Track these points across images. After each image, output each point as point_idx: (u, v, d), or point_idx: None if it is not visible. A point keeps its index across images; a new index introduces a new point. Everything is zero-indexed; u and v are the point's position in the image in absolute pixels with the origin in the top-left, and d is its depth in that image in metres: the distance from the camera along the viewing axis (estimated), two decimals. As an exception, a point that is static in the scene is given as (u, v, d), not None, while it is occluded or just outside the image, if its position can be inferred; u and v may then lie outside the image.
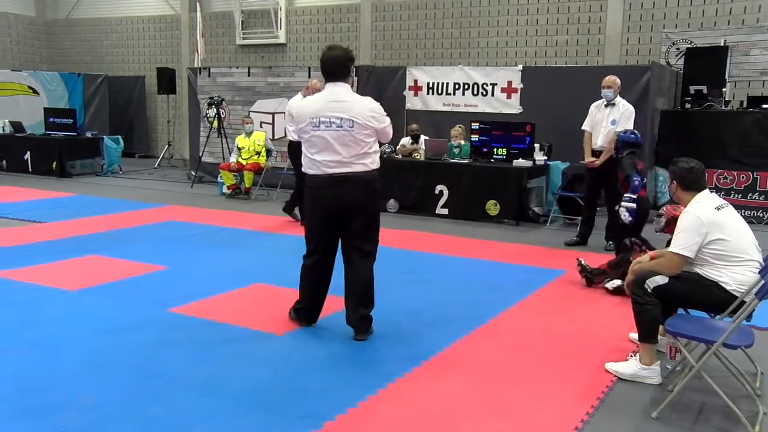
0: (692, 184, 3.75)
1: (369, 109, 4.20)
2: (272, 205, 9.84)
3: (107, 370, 3.71)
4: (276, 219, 8.65)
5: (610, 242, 7.04)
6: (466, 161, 9.17)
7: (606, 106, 7.20)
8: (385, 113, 4.33)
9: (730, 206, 3.74)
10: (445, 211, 9.07)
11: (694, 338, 3.44)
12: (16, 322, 4.47)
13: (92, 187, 11.52)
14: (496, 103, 10.45)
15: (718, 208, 3.64)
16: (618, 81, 7.18)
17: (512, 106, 10.27)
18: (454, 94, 10.86)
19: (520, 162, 8.63)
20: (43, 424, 3.08)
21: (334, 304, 5.01)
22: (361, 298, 4.33)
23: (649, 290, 3.65)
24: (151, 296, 5.14)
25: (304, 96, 7.93)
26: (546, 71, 10.18)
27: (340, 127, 4.13)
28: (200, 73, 12.71)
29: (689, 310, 3.86)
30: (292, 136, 7.60)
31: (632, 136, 6.16)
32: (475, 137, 9.13)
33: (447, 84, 10.90)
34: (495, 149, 8.96)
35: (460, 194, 8.95)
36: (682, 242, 3.61)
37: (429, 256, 6.79)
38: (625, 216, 5.68)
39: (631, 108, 7.12)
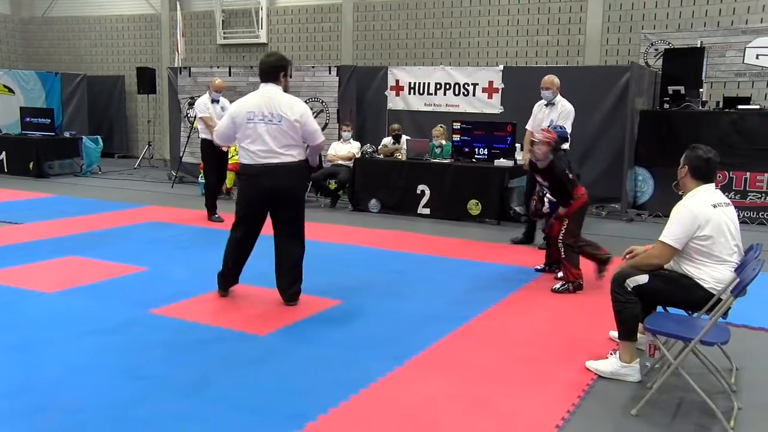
0: (703, 176, 3.70)
1: (295, 110, 4.80)
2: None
3: (89, 373, 3.68)
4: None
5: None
6: (447, 161, 9.20)
7: (546, 106, 7.29)
8: (314, 119, 4.96)
9: (730, 206, 3.72)
10: (427, 211, 9.09)
11: (672, 336, 3.49)
12: (-6, 325, 4.42)
13: (71, 188, 11.39)
14: (477, 103, 10.51)
15: (714, 206, 3.62)
16: (557, 81, 7.26)
17: (493, 106, 10.33)
18: (435, 94, 10.90)
19: (501, 162, 8.68)
20: (25, 427, 3.05)
21: (316, 305, 5.02)
22: (294, 276, 5.00)
23: (629, 289, 3.69)
24: (132, 297, 5.10)
25: (210, 95, 8.49)
26: (527, 71, 10.24)
27: (271, 121, 4.75)
28: (181, 73, 12.62)
29: (668, 308, 3.92)
30: (208, 134, 7.87)
31: (564, 130, 6.22)
32: (456, 137, 9.16)
33: (428, 84, 10.94)
34: (476, 149, 9.00)
35: (442, 194, 8.98)
36: (673, 233, 3.61)
37: (411, 256, 6.81)
38: (546, 206, 5.77)
39: (569, 108, 7.20)
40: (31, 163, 12.61)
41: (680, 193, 3.87)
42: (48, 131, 13.15)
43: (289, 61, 5.00)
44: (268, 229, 5.09)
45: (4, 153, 12.91)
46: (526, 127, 7.59)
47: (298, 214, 4.98)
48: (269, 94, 4.83)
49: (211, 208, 8.52)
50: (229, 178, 10.53)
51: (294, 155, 4.85)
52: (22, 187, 11.27)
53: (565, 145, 5.99)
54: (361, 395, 3.47)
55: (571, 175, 5.61)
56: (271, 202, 4.87)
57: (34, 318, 4.60)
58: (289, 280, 4.99)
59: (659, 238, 3.68)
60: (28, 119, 13.43)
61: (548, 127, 6.97)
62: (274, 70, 4.85)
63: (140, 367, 3.78)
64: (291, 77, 11.30)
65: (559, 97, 7.23)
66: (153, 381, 3.59)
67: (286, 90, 4.94)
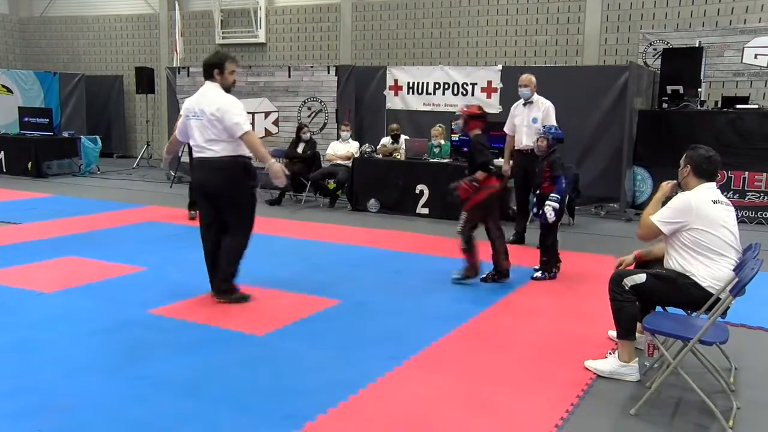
0: (705, 174, 3.73)
1: (212, 105, 4.82)
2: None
3: (88, 373, 3.68)
4: (258, 220, 8.60)
5: None
6: (446, 161, 9.20)
7: (524, 105, 7.29)
8: (237, 112, 4.83)
9: (730, 207, 3.74)
10: (426, 211, 9.09)
11: (671, 335, 3.48)
12: (-8, 325, 4.41)
13: (69, 188, 11.38)
14: (475, 103, 10.47)
15: (714, 201, 3.66)
16: (533, 79, 7.27)
17: (492, 106, 10.31)
18: (434, 93, 10.88)
19: (500, 162, 8.66)
20: (24, 427, 3.04)
21: (315, 304, 5.02)
22: (222, 271, 5.01)
23: (626, 288, 3.69)
24: (130, 297, 5.09)
25: None
26: (526, 71, 10.21)
27: (197, 116, 4.89)
28: (179, 73, 12.61)
29: (667, 307, 3.92)
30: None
31: (560, 132, 6.17)
32: (455, 137, 9.16)
33: (427, 84, 10.93)
34: (475, 149, 8.98)
35: (440, 194, 8.97)
36: (665, 215, 3.68)
37: (410, 256, 6.81)
38: (551, 215, 5.75)
39: (550, 104, 7.23)
40: (30, 163, 12.59)
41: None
42: (46, 131, 13.14)
43: (227, 58, 5.02)
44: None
45: (2, 153, 12.89)
46: (505, 129, 7.61)
47: (227, 206, 4.97)
48: (201, 90, 5.00)
49: (190, 207, 8.49)
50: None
51: (217, 150, 4.85)
52: (20, 187, 11.25)
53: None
54: (360, 395, 3.47)
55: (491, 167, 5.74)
56: (207, 197, 5.03)
57: (33, 318, 4.60)
58: (221, 274, 5.04)
59: (651, 216, 3.74)
60: (26, 119, 13.41)
61: (533, 125, 7.01)
62: (208, 67, 4.99)
63: (138, 367, 3.77)
64: (290, 77, 11.35)
65: (536, 96, 7.24)
66: (151, 381, 3.59)
67: (227, 86, 4.99)
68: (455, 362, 3.98)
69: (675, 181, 3.92)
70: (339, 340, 4.33)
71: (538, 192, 5.99)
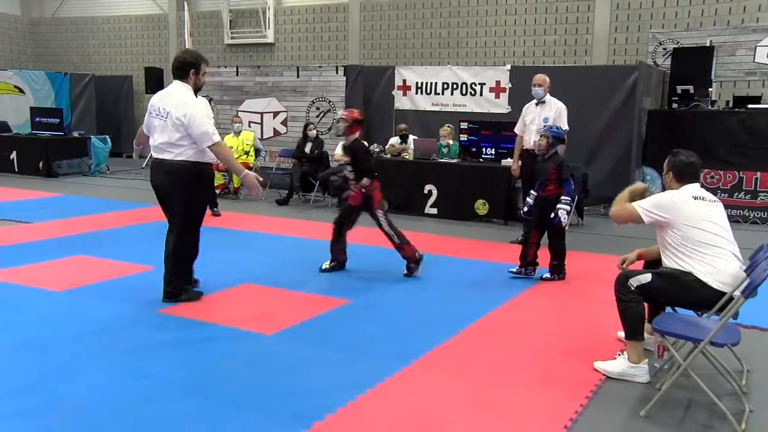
0: (687, 177, 3.84)
1: (180, 109, 4.68)
2: (260, 205, 9.81)
3: (96, 371, 3.69)
4: (265, 219, 8.63)
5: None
6: (454, 161, 9.19)
7: (537, 105, 7.27)
8: (206, 120, 4.71)
9: (716, 202, 3.79)
10: (434, 211, 9.08)
11: (681, 337, 3.46)
12: (2, 324, 4.43)
13: (79, 187, 11.43)
14: (484, 103, 10.48)
15: (695, 197, 3.73)
16: (547, 79, 7.24)
17: (501, 106, 10.30)
18: (442, 93, 10.88)
19: (508, 161, 8.64)
20: (31, 425, 3.06)
21: (324, 304, 5.02)
22: (166, 268, 4.96)
23: (632, 288, 3.68)
24: (139, 296, 5.10)
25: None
26: (535, 71, 10.18)
27: (160, 116, 4.79)
28: (188, 73, 12.63)
29: (677, 308, 3.89)
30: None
31: (561, 131, 6.10)
32: (464, 137, 9.15)
33: (435, 84, 10.92)
34: (484, 149, 8.99)
35: (449, 194, 8.97)
36: (647, 205, 3.79)
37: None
38: (564, 219, 5.70)
39: (562, 105, 7.20)
40: (41, 163, 12.67)
41: None
42: (57, 131, 13.20)
43: (204, 59, 4.92)
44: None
45: (14, 152, 12.96)
46: (515, 130, 7.59)
47: (176, 211, 4.89)
48: (169, 89, 4.89)
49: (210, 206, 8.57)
50: (236, 178, 10.56)
51: (175, 153, 4.74)
52: (31, 186, 11.32)
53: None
54: (369, 395, 3.46)
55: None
56: (158, 197, 4.98)
57: (42, 316, 4.62)
58: (165, 276, 4.97)
59: (635, 203, 3.85)
60: (37, 119, 13.49)
61: (543, 125, 6.98)
62: (184, 66, 4.83)
63: (147, 366, 3.78)
64: (298, 77, 11.36)
65: (549, 96, 7.21)
66: (159, 380, 3.60)
67: (199, 88, 4.91)
68: (463, 362, 3.97)
69: (645, 185, 4.15)
70: (347, 339, 4.33)
71: (539, 194, 5.89)
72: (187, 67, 4.82)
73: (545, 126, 6.44)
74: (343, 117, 6.00)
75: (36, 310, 4.75)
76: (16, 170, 12.90)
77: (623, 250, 5.51)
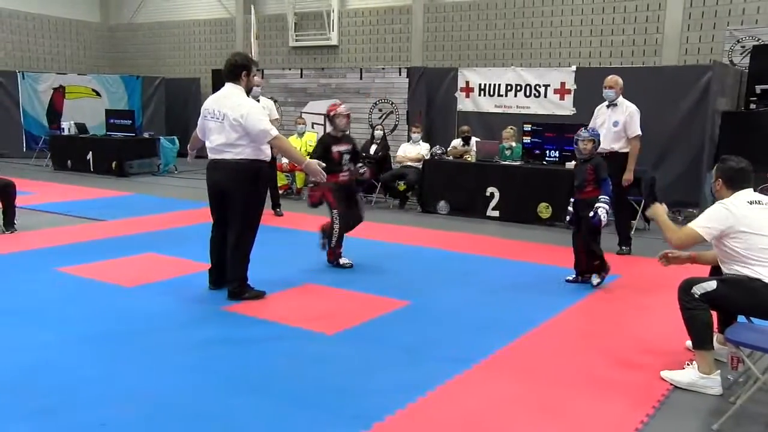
0: (738, 184, 3.71)
1: (236, 110, 4.80)
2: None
3: (161, 365, 3.80)
4: (326, 220, 8.70)
5: (623, 247, 7.01)
6: (517, 163, 9.06)
7: (608, 107, 7.05)
8: (262, 117, 4.87)
9: None
10: (496, 214, 8.98)
11: (757, 348, 3.30)
12: (76, 317, 4.62)
13: (149, 187, 11.82)
14: (548, 105, 10.31)
15: (750, 202, 3.59)
16: (620, 81, 7.00)
17: (565, 108, 10.11)
18: (506, 95, 10.76)
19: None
20: (91, 417, 3.16)
21: (384, 305, 5.03)
22: (229, 267, 5.07)
23: (696, 296, 3.54)
24: (204, 294, 5.24)
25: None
26: (601, 72, 9.96)
27: (216, 119, 4.90)
28: (254, 75, 12.89)
29: (752, 318, 3.72)
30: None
31: (597, 132, 5.97)
32: (527, 139, 9.02)
33: (499, 85, 10.81)
34: (547, 151, 8.83)
35: (511, 196, 8.85)
36: (702, 223, 3.64)
37: (479, 259, 6.73)
38: (604, 217, 5.54)
39: (634, 108, 6.94)
40: (114, 163, 13.16)
41: None
42: (129, 132, 13.68)
43: (254, 62, 5.07)
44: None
45: (90, 153, 13.51)
46: None
47: (236, 210, 4.98)
48: (223, 92, 4.98)
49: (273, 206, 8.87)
50: (299, 178, 10.72)
51: (234, 153, 4.87)
52: (104, 185, 11.77)
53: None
54: (428, 397, 3.45)
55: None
56: (214, 195, 5.10)
57: (112, 311, 4.79)
58: (228, 272, 5.10)
59: (690, 224, 3.70)
60: (111, 121, 14.02)
61: (618, 130, 6.80)
62: (236, 69, 4.95)
63: (210, 362, 3.87)
64: (361, 78, 11.43)
65: (621, 98, 7.01)
66: (222, 376, 3.67)
67: (249, 89, 5.03)
68: (525, 367, 3.91)
69: (663, 204, 4.02)
70: (407, 341, 4.32)
71: (577, 198, 5.79)
72: (239, 70, 4.96)
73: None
74: (343, 113, 6.27)
75: (107, 305, 4.93)
76: (92, 170, 13.44)
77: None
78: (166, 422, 3.13)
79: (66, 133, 14.14)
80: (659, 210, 3.97)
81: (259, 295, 5.13)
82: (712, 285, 3.54)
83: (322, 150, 6.12)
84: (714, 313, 3.66)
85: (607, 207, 5.58)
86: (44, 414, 3.16)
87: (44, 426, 3.06)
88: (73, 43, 18.38)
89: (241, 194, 4.95)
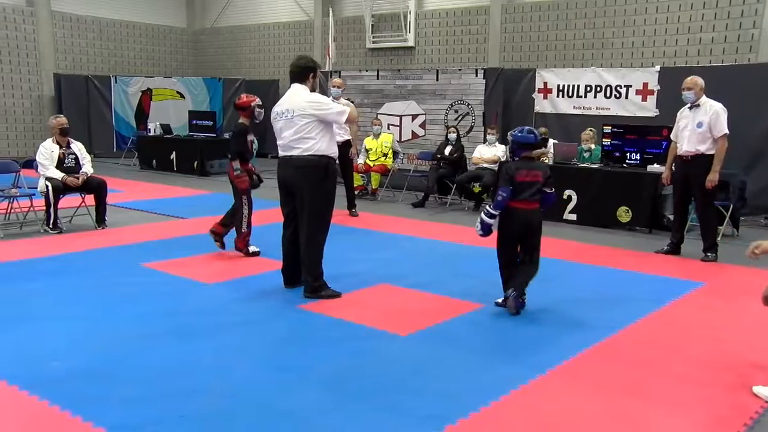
0: None
1: (307, 101, 5.04)
2: (398, 207, 9.96)
3: (238, 361, 3.90)
4: (401, 221, 8.75)
5: (708, 253, 6.69)
6: (596, 166, 8.83)
7: (690, 109, 6.72)
8: (330, 103, 5.21)
9: None
10: (573, 217, 8.77)
11: None
12: (160, 311, 4.81)
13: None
14: (630, 106, 10.00)
15: None
16: (700, 81, 6.65)
17: (648, 109, 9.79)
18: (585, 96, 10.52)
19: (655, 168, 8.17)
20: (170, 409, 3.27)
21: (458, 307, 5.01)
22: (304, 264, 5.17)
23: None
24: (280, 292, 5.35)
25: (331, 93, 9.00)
26: (687, 72, 9.57)
27: (285, 117, 5.09)
28: (331, 77, 13.08)
29: None
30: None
31: (531, 136, 5.21)
32: (606, 141, 8.77)
33: (578, 86, 10.57)
34: (628, 154, 8.57)
35: (589, 200, 8.63)
36: None
37: (556, 263, 6.58)
38: (477, 227, 5.07)
39: (720, 106, 6.57)
40: (195, 162, 13.64)
41: None
42: (210, 132, 14.15)
43: (319, 65, 5.31)
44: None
45: (174, 153, 14.06)
46: (671, 136, 7.13)
47: (305, 206, 5.06)
48: (291, 92, 5.20)
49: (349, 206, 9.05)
50: (374, 179, 10.80)
51: (303, 148, 5.01)
52: (186, 184, 12.22)
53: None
54: (502, 402, 3.41)
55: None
56: (286, 192, 5.23)
57: (193, 306, 4.96)
58: (303, 267, 5.20)
59: None
60: (194, 122, 14.54)
61: (702, 131, 6.52)
62: (304, 71, 5.18)
63: (286, 359, 3.95)
64: (438, 80, 11.42)
65: (704, 98, 6.71)
66: (297, 373, 3.74)
67: (312, 90, 5.21)
68: (603, 374, 3.80)
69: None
70: (481, 344, 4.29)
71: None
72: (307, 71, 5.19)
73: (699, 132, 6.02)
74: (260, 104, 6.97)
75: (188, 300, 5.11)
76: (175, 169, 13.97)
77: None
78: (241, 417, 3.21)
79: (152, 133, 14.78)
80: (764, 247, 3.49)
81: (335, 294, 5.19)
82: None
83: (243, 139, 6.62)
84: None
85: (483, 218, 5.02)
86: (126, 404, 3.30)
87: (126, 415, 3.18)
88: (160, 48, 19.20)
89: (310, 190, 5.05)
